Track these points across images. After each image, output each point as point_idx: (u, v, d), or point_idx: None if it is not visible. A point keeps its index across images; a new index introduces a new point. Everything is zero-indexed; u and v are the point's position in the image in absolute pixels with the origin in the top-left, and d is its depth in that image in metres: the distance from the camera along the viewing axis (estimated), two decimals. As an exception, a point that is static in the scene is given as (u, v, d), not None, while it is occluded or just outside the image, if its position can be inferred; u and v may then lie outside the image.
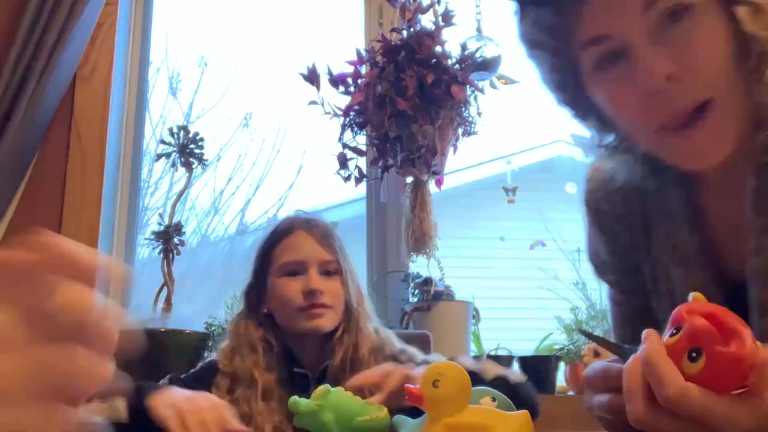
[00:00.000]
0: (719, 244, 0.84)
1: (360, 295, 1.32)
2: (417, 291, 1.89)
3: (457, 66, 1.71)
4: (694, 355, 0.52)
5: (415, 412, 0.93)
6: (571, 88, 0.81)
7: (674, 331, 0.55)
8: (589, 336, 0.65)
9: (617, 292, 0.99)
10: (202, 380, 1.21)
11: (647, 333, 0.55)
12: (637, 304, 0.95)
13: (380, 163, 1.76)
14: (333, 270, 1.29)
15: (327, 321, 1.24)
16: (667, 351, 0.54)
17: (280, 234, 1.32)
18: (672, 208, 0.86)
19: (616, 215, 0.92)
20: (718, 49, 0.70)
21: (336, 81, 1.74)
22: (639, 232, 0.91)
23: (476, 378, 1.11)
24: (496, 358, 1.84)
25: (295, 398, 0.95)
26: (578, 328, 0.79)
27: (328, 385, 0.95)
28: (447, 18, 1.75)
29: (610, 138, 0.84)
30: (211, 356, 1.35)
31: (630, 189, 0.88)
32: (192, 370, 1.27)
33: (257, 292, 1.32)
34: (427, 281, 1.86)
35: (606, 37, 0.72)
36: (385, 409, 0.94)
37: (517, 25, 0.81)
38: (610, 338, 0.98)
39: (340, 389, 0.93)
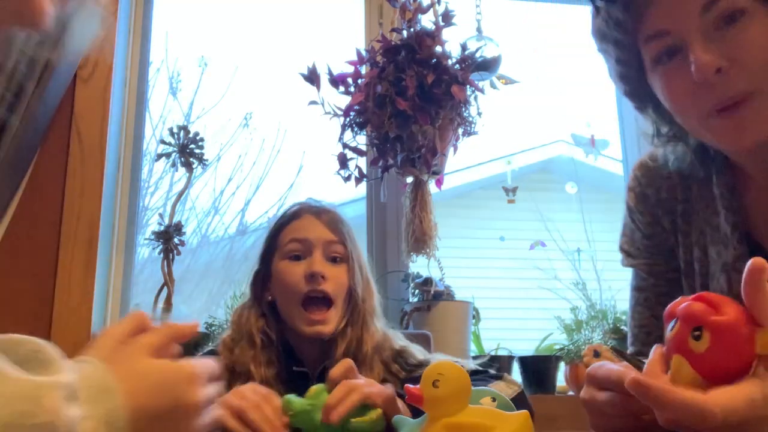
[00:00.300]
0: (759, 234, 0.91)
1: (369, 288, 1.27)
2: (417, 291, 1.89)
3: (457, 66, 1.71)
4: (697, 333, 0.54)
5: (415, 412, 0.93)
6: (634, 80, 0.91)
7: (672, 324, 0.57)
8: (620, 354, 0.70)
9: (645, 275, 1.04)
10: None
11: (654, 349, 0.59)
12: (662, 289, 1.02)
13: (380, 163, 1.76)
14: (339, 255, 1.24)
15: (327, 327, 1.19)
16: (672, 343, 0.56)
17: (287, 217, 1.28)
18: (715, 194, 0.94)
19: (660, 200, 1.01)
20: (765, 48, 0.79)
21: (336, 81, 1.74)
22: (679, 218, 0.99)
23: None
24: (496, 358, 1.84)
25: (287, 397, 0.94)
26: (612, 347, 0.84)
27: (322, 385, 0.95)
28: (447, 18, 1.75)
29: (665, 129, 0.95)
30: (211, 346, 1.31)
31: (677, 177, 0.99)
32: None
33: (263, 278, 1.27)
34: (427, 281, 1.86)
35: (666, 32, 0.82)
36: (380, 410, 0.93)
37: (591, 21, 0.92)
38: (627, 328, 1.06)
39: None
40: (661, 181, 1.01)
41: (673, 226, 1.01)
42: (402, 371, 1.21)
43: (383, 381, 1.14)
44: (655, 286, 1.03)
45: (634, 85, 0.92)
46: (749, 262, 0.54)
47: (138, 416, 0.53)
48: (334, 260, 1.24)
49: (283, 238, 1.25)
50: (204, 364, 0.60)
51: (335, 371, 0.95)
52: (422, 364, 1.20)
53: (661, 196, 1.00)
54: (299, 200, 1.36)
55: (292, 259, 1.23)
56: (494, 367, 1.21)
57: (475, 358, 1.84)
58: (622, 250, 1.08)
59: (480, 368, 1.16)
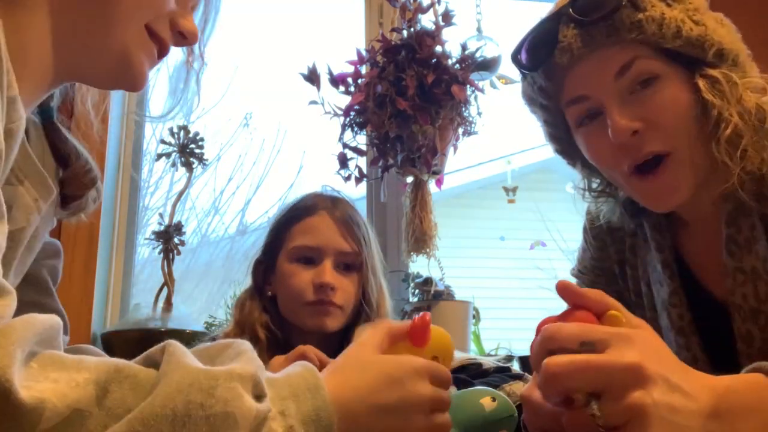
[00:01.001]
0: (696, 268, 0.96)
1: (381, 294, 1.21)
2: (417, 291, 1.89)
3: (458, 66, 1.71)
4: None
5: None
6: (563, 140, 0.97)
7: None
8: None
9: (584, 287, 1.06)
10: None
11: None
12: None
13: (380, 163, 1.76)
14: (351, 263, 1.18)
15: (333, 321, 1.14)
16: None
17: (300, 211, 1.20)
18: (655, 250, 0.98)
19: (611, 229, 1.05)
20: (680, 111, 0.83)
21: (336, 81, 1.74)
22: (627, 251, 1.04)
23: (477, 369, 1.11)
24: (495, 358, 1.84)
25: None
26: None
27: None
28: (447, 18, 1.75)
29: (596, 183, 1.01)
30: (213, 333, 1.28)
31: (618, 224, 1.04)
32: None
33: (264, 270, 1.21)
34: (427, 281, 1.86)
35: (585, 98, 0.87)
36: None
37: (521, 84, 0.98)
38: None
39: None
40: (611, 214, 1.05)
41: (618, 256, 1.05)
42: None
43: None
44: None
45: (564, 144, 0.98)
46: (556, 284, 0.61)
47: (355, 409, 0.52)
48: (346, 267, 1.18)
49: (293, 235, 1.18)
50: (431, 364, 0.60)
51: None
52: None
53: (612, 227, 1.05)
54: (315, 191, 1.28)
55: (301, 262, 1.16)
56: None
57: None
58: (572, 274, 1.14)
59: (503, 365, 1.14)
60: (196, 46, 0.76)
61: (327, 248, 1.16)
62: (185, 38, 0.66)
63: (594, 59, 0.86)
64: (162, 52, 0.66)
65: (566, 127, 0.94)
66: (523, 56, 0.92)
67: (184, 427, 0.44)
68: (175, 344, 0.49)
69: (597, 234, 1.07)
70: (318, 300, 1.13)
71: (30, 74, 0.58)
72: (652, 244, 0.99)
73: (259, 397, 0.49)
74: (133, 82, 0.64)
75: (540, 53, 0.89)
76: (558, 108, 0.93)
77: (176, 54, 0.77)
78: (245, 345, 0.53)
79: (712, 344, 0.95)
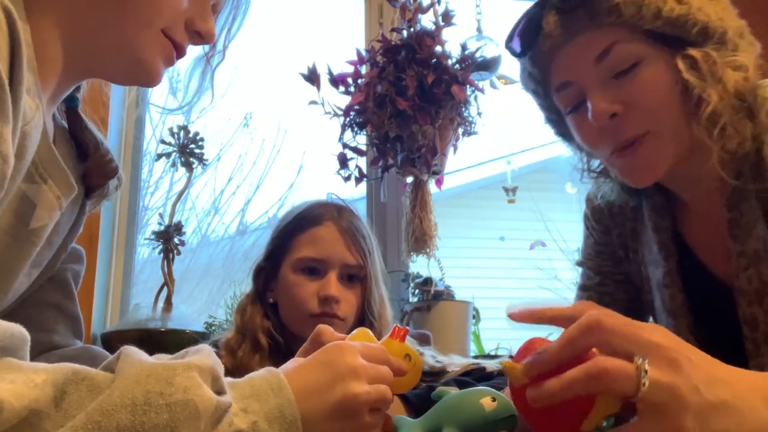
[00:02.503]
0: (695, 245, 0.96)
1: (382, 304, 1.21)
2: (417, 291, 1.89)
3: (457, 66, 1.71)
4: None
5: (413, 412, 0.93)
6: (559, 123, 0.98)
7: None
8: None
9: (592, 274, 1.10)
10: None
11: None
12: (606, 289, 1.08)
13: (380, 163, 1.76)
14: (355, 275, 1.18)
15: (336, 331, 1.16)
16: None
17: (307, 221, 1.19)
18: (652, 231, 0.99)
19: (612, 214, 1.06)
20: (660, 92, 0.84)
21: (336, 81, 1.74)
22: (629, 235, 1.05)
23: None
24: (496, 358, 1.84)
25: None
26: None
27: None
28: (447, 18, 1.74)
29: (595, 163, 1.02)
30: (213, 336, 1.26)
31: (620, 204, 1.05)
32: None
33: (266, 276, 1.20)
34: (427, 281, 1.86)
35: (570, 83, 0.88)
36: None
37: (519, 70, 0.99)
38: None
39: None
40: (609, 205, 1.06)
41: (621, 240, 1.06)
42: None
43: None
44: (599, 285, 1.09)
45: (561, 127, 0.99)
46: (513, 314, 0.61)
47: (310, 412, 0.52)
48: (350, 278, 1.18)
49: (298, 244, 1.18)
50: (372, 367, 0.61)
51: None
52: (434, 371, 1.17)
53: (613, 211, 1.06)
54: (321, 199, 1.28)
55: (305, 272, 1.16)
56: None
57: (476, 357, 1.84)
58: (576, 263, 1.14)
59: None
60: (219, 42, 0.79)
61: (332, 260, 1.16)
62: (202, 38, 0.67)
63: (575, 45, 0.87)
64: (179, 53, 0.67)
65: (560, 110, 0.95)
66: (514, 42, 0.93)
67: (144, 415, 0.44)
68: (130, 348, 0.49)
69: (600, 218, 1.08)
70: (322, 312, 1.13)
71: (46, 73, 0.59)
72: (649, 225, 0.99)
73: (219, 392, 0.49)
74: (149, 81, 0.67)
75: (527, 39, 0.91)
76: (548, 93, 0.94)
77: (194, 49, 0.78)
78: (203, 345, 0.53)
79: (712, 327, 0.95)
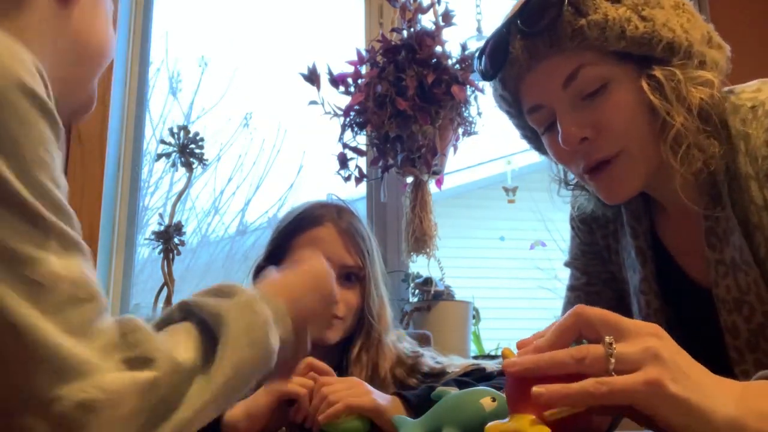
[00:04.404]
0: (674, 252, 0.97)
1: (382, 305, 1.21)
2: (417, 291, 1.89)
3: (458, 66, 1.71)
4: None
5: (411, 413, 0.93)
6: (534, 140, 0.98)
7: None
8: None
9: (579, 274, 1.10)
10: None
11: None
12: (594, 288, 1.08)
13: (380, 163, 1.76)
14: (355, 276, 1.18)
15: (334, 333, 1.14)
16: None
17: (307, 222, 1.20)
18: (630, 236, 0.99)
19: (595, 216, 1.07)
20: (628, 114, 0.83)
21: (336, 81, 1.74)
22: (611, 237, 1.06)
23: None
24: (497, 359, 1.84)
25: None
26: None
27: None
28: (447, 18, 1.75)
29: (572, 176, 1.01)
30: None
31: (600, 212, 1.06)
32: None
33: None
34: (427, 281, 1.86)
35: (539, 106, 0.88)
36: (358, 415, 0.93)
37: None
38: None
39: None
40: (588, 204, 1.06)
41: (605, 242, 1.07)
42: (417, 382, 1.16)
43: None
44: (587, 285, 1.09)
45: (537, 143, 0.98)
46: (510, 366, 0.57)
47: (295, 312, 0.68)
48: (348, 278, 1.18)
49: (298, 246, 1.18)
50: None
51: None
52: (434, 372, 1.17)
53: (596, 214, 1.06)
54: (321, 200, 1.29)
55: None
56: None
57: (476, 357, 1.84)
58: (565, 264, 1.14)
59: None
60: None
61: (331, 262, 1.14)
62: None
63: (540, 70, 0.86)
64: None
65: (534, 129, 0.95)
66: (483, 64, 0.92)
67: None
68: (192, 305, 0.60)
69: (583, 220, 1.08)
70: None
71: None
72: (627, 231, 0.99)
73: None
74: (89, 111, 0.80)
75: (495, 63, 0.90)
76: (522, 113, 0.94)
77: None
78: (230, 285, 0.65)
79: (693, 333, 0.95)
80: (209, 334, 0.57)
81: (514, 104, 0.93)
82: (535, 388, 0.52)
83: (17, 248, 0.47)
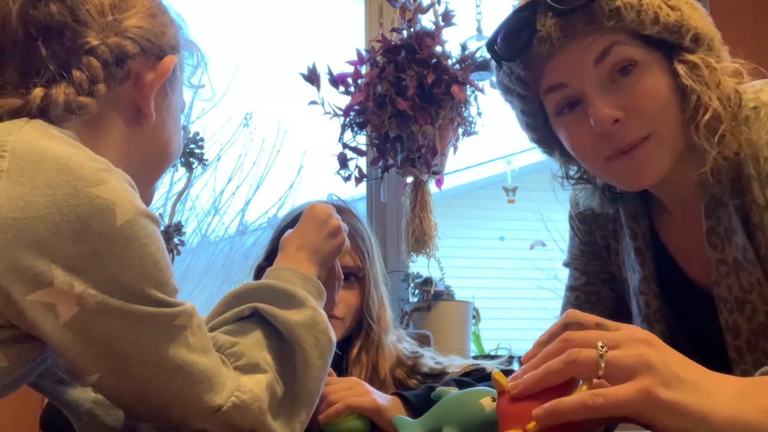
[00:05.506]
0: (674, 252, 0.97)
1: (382, 306, 1.21)
2: (417, 291, 1.89)
3: (458, 66, 1.71)
4: None
5: (412, 413, 0.93)
6: (540, 128, 0.96)
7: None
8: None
9: (579, 274, 1.10)
10: None
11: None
12: (593, 288, 1.08)
13: (380, 163, 1.76)
14: (354, 276, 1.18)
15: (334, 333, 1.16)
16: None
17: None
18: (629, 237, 0.99)
19: (595, 216, 1.07)
20: (660, 97, 0.84)
21: (336, 81, 1.74)
22: (610, 237, 1.06)
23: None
24: (496, 359, 1.84)
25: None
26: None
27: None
28: (447, 18, 1.74)
29: (573, 171, 1.02)
30: None
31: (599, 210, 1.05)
32: None
33: None
34: (427, 281, 1.86)
35: (563, 85, 0.87)
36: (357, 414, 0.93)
37: (495, 74, 0.97)
38: None
39: None
40: (589, 201, 1.05)
41: (604, 242, 1.07)
42: (417, 382, 1.17)
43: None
44: (586, 285, 1.08)
45: (541, 133, 0.97)
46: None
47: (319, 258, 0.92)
48: (347, 278, 1.17)
49: None
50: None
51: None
52: (434, 372, 1.17)
53: (595, 213, 1.05)
54: (321, 200, 1.28)
55: None
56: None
57: (476, 357, 1.84)
58: (564, 264, 1.14)
59: (506, 368, 1.14)
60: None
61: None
62: None
63: (573, 48, 0.85)
64: None
65: (544, 115, 0.94)
66: (500, 46, 0.91)
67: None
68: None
69: (583, 219, 1.08)
70: None
71: None
72: (626, 231, 0.99)
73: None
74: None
75: (517, 43, 0.88)
76: (536, 97, 0.92)
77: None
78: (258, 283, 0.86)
79: (692, 333, 0.95)
80: (279, 339, 0.76)
81: (531, 86, 0.91)
82: (535, 411, 0.52)
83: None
